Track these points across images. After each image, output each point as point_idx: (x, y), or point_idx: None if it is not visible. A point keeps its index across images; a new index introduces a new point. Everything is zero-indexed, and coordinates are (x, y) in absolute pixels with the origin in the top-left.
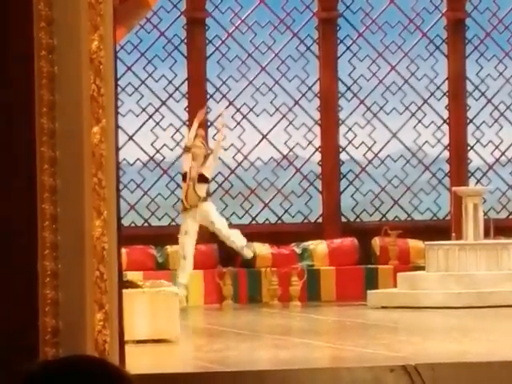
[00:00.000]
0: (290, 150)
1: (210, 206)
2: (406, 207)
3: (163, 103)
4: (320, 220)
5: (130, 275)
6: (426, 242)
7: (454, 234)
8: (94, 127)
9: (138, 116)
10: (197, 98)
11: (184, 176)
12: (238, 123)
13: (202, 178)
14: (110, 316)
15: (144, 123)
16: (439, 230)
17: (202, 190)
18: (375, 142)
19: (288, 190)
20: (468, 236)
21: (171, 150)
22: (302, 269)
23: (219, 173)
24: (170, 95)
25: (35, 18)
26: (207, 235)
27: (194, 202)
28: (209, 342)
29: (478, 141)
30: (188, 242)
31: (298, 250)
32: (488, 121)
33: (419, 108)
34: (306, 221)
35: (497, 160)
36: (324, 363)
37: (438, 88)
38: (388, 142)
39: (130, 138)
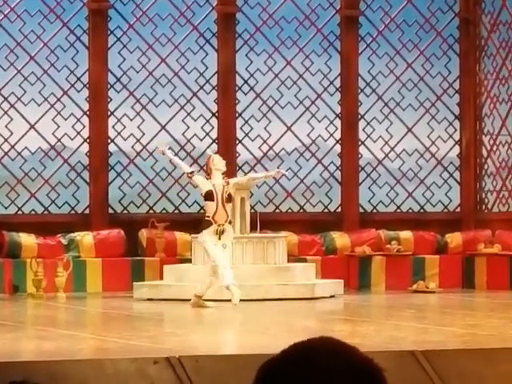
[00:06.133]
0: (58, 140)
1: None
2: (174, 200)
3: None
4: (87, 211)
5: None
6: (193, 235)
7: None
8: None
9: None
10: None
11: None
12: (6, 112)
13: (230, 198)
14: None
15: None
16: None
17: (229, 209)
18: (144, 134)
19: (55, 181)
20: (235, 229)
21: None
22: (67, 260)
23: None
24: None
25: None
26: None
27: (222, 221)
28: None
29: (246, 135)
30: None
31: (65, 241)
32: (256, 115)
33: (188, 101)
34: (72, 212)
35: (264, 154)
36: (88, 354)
37: (208, 81)
38: (157, 134)
39: None
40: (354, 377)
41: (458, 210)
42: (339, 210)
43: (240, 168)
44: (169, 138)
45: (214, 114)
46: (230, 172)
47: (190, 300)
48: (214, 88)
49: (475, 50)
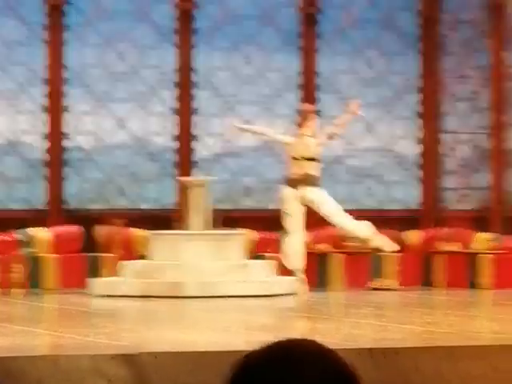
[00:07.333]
0: (15, 135)
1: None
2: (132, 196)
3: None
4: (44, 207)
5: None
6: (151, 231)
7: (178, 224)
8: None
9: None
10: None
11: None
12: None
13: None
14: None
15: None
16: (165, 220)
17: None
18: (102, 130)
19: (11, 176)
20: (193, 226)
21: None
22: (24, 256)
23: None
24: None
25: None
26: None
27: None
28: None
29: (205, 131)
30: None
31: (21, 237)
32: (215, 112)
33: (146, 97)
34: (29, 207)
35: (223, 150)
36: (44, 351)
37: (166, 78)
38: (115, 130)
39: None
40: (327, 379)
41: (418, 207)
42: None
43: (199, 164)
44: (127, 135)
45: (172, 111)
46: (186, 168)
47: (147, 297)
48: (172, 84)
49: (436, 48)
